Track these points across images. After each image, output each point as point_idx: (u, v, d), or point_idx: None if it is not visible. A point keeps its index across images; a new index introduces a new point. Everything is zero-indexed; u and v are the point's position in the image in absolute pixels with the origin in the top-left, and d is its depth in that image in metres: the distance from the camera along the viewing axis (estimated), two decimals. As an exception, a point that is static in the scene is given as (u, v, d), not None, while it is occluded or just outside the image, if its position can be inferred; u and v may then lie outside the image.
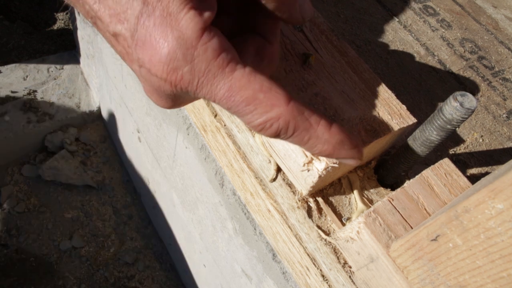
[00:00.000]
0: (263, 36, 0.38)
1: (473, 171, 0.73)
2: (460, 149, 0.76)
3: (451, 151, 0.75)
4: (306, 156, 0.43)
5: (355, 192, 0.50)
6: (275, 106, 0.31)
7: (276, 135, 0.32)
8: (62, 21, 1.90)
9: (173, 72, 0.30)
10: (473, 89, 0.87)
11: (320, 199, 0.49)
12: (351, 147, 0.35)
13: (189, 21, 0.29)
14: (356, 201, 0.49)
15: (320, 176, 0.42)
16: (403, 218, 0.42)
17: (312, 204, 0.49)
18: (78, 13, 1.28)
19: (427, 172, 0.45)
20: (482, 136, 0.79)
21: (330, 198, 0.50)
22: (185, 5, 0.29)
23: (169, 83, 0.30)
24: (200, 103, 0.59)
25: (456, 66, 0.90)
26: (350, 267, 0.45)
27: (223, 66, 0.30)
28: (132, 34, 0.30)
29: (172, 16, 0.29)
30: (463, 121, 0.38)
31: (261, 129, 0.32)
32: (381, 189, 0.52)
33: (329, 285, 0.45)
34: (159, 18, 0.29)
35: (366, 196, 0.50)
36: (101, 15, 0.30)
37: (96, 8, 0.30)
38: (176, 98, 0.33)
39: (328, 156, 0.35)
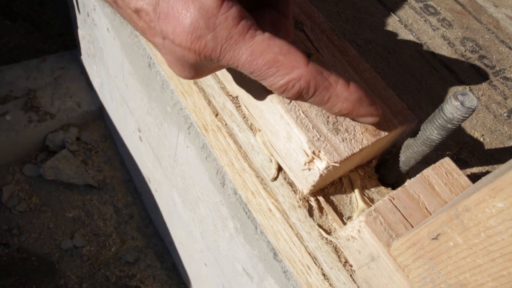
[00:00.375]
0: (278, 10, 0.39)
1: (474, 170, 0.73)
2: (461, 148, 0.76)
3: (452, 150, 0.75)
4: (307, 155, 0.43)
5: (356, 191, 0.50)
6: (295, 68, 0.33)
7: (299, 95, 0.34)
8: (63, 21, 1.90)
9: (197, 41, 0.31)
10: (474, 88, 0.87)
11: (321, 198, 0.49)
12: (369, 104, 0.37)
13: None
14: (357, 200, 0.49)
15: (321, 175, 0.43)
16: (404, 217, 0.42)
17: (313, 203, 0.49)
18: (79, 12, 1.28)
19: (427, 171, 0.45)
20: (483, 135, 0.79)
21: (331, 197, 0.50)
22: None
23: (193, 51, 0.32)
24: (201, 103, 0.59)
25: (457, 65, 0.90)
26: (351, 266, 0.46)
27: (244, 33, 0.31)
28: (154, 8, 0.31)
29: None
30: (464, 120, 0.38)
31: (283, 90, 0.34)
32: (382, 188, 0.52)
33: (330, 284, 0.46)
34: None
35: (367, 195, 0.50)
36: None
37: None
38: (198, 68, 0.34)
39: (348, 114, 0.37)
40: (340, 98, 0.35)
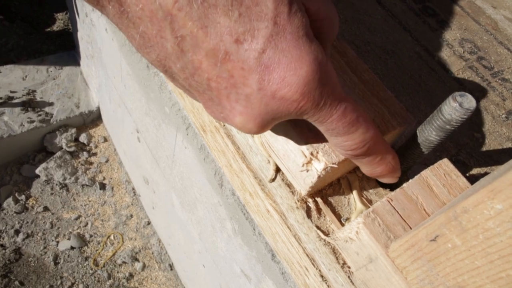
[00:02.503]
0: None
1: (472, 171, 0.73)
2: (459, 149, 0.76)
3: (450, 152, 0.75)
4: (305, 157, 0.43)
5: (354, 192, 0.50)
6: (370, 128, 0.34)
7: (363, 154, 0.36)
8: (62, 22, 1.90)
9: (307, 94, 0.29)
10: (473, 89, 0.87)
11: (319, 200, 0.49)
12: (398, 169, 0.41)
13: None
14: (355, 201, 0.49)
15: (319, 177, 0.42)
16: (402, 219, 0.42)
17: (311, 205, 0.49)
18: (78, 13, 1.27)
19: (426, 173, 0.45)
20: (481, 136, 0.79)
21: (329, 199, 0.49)
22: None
23: (295, 105, 0.29)
24: (198, 104, 0.59)
25: (456, 67, 0.90)
26: (349, 267, 0.45)
27: (342, 89, 0.32)
28: (260, 55, 0.28)
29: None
30: (463, 121, 0.38)
31: (357, 147, 0.35)
32: (380, 189, 0.52)
33: (328, 286, 0.45)
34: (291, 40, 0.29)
35: (365, 197, 0.50)
36: None
37: None
38: (271, 122, 0.32)
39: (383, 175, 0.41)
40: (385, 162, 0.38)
